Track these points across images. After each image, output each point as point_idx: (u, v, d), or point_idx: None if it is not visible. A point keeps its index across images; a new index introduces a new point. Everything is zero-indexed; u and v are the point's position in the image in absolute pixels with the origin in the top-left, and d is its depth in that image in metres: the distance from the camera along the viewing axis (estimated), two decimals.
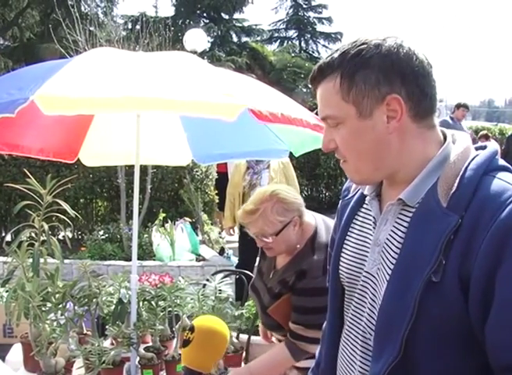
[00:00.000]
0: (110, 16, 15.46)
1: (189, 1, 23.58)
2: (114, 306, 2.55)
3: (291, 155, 3.07)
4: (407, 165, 1.11)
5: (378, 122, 1.08)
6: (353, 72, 1.07)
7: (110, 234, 6.27)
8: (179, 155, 3.25)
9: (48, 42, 13.92)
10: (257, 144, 2.99)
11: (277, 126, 2.42)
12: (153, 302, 2.64)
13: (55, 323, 2.49)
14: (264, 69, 21.37)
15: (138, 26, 9.03)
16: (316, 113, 1.63)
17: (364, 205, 1.25)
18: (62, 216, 2.62)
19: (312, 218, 2.24)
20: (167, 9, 35.07)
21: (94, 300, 2.60)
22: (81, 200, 7.37)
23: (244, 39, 25.18)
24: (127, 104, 1.98)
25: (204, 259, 5.70)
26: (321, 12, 28.13)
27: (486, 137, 9.75)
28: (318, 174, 11.28)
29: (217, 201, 7.19)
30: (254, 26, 25.72)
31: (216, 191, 7.18)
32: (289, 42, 27.83)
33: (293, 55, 24.33)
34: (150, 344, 2.74)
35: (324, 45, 27.66)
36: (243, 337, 2.86)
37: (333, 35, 27.50)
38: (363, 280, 1.18)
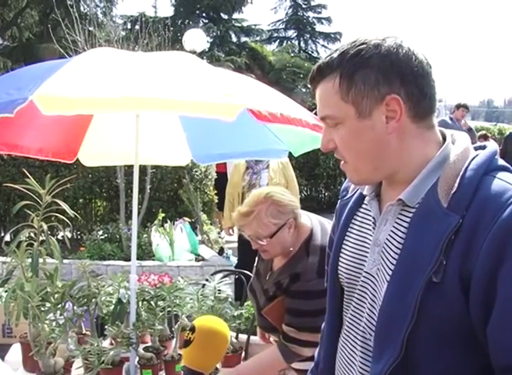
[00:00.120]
0: (109, 16, 15.47)
1: (188, 2, 23.57)
2: (113, 306, 2.55)
3: (290, 155, 3.06)
4: (406, 165, 1.11)
5: (377, 122, 1.08)
6: (352, 72, 1.07)
7: (109, 234, 6.27)
8: (178, 155, 3.24)
9: (47, 42, 13.92)
10: (257, 144, 2.99)
11: (276, 126, 2.41)
12: (152, 302, 2.63)
13: (54, 323, 2.48)
14: (263, 69, 21.37)
15: (137, 27, 9.03)
16: (315, 113, 1.63)
17: (363, 206, 1.25)
18: (61, 216, 2.62)
19: (308, 220, 2.23)
20: (166, 9, 35.08)
21: (93, 300, 2.59)
22: (80, 200, 7.38)
23: (243, 39, 25.18)
24: (126, 104, 1.98)
25: (203, 259, 5.71)
26: (320, 12, 28.14)
27: (485, 138, 9.76)
28: (318, 174, 11.29)
29: (216, 201, 7.20)
30: (253, 26, 25.70)
31: (215, 191, 7.19)
32: (289, 42, 27.81)
33: (292, 55, 24.33)
34: (149, 344, 2.74)
35: (323, 45, 27.67)
36: (243, 337, 2.86)
37: (332, 35, 27.49)
38: (362, 281, 1.18)
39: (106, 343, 2.71)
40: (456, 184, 1.03)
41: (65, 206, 2.57)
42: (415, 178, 1.09)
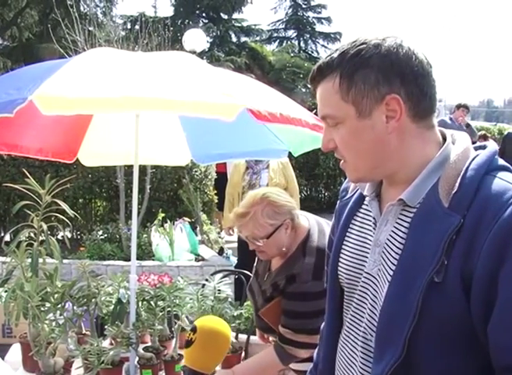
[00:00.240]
0: (109, 16, 15.48)
1: (188, 2, 23.57)
2: (113, 306, 2.55)
3: (290, 155, 3.06)
4: (406, 165, 1.11)
5: (377, 122, 1.08)
6: (352, 72, 1.07)
7: (109, 234, 6.27)
8: (178, 155, 3.24)
9: (46, 42, 13.92)
10: (256, 144, 2.99)
11: (276, 125, 2.41)
12: (152, 302, 2.63)
13: (53, 323, 2.48)
14: (263, 69, 21.36)
15: (137, 27, 9.04)
16: (315, 113, 1.63)
17: (363, 206, 1.24)
18: (61, 216, 2.62)
19: (306, 220, 2.22)
20: (166, 9, 35.09)
21: (93, 300, 2.59)
22: (80, 200, 7.38)
23: (243, 39, 25.17)
24: (126, 104, 1.98)
25: (203, 259, 5.71)
26: (320, 12, 28.13)
27: (485, 138, 9.75)
28: (317, 174, 11.29)
29: (216, 201, 7.20)
30: (253, 26, 25.70)
31: (215, 191, 7.19)
32: (289, 42, 27.80)
33: (292, 55, 24.32)
34: (149, 344, 2.73)
35: (323, 45, 27.66)
36: (242, 337, 2.86)
37: (332, 35, 27.48)
38: (363, 281, 1.18)
39: (106, 343, 2.71)
40: (457, 184, 1.03)
41: (64, 206, 2.57)
42: (416, 178, 1.09)
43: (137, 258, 3.53)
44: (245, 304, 3.10)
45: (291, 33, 28.51)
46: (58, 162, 6.03)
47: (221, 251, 6.38)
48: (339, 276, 1.26)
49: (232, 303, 2.83)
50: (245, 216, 2.12)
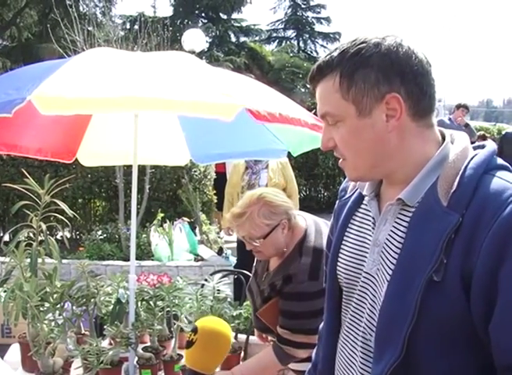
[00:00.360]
0: (108, 16, 15.45)
1: (187, 2, 23.57)
2: (112, 306, 2.54)
3: (289, 155, 3.06)
4: (405, 164, 1.11)
5: (377, 120, 1.08)
6: (352, 71, 1.07)
7: (108, 234, 6.27)
8: (177, 155, 3.24)
9: (46, 42, 13.94)
10: (256, 144, 2.99)
11: (275, 125, 2.41)
12: (151, 302, 2.63)
13: (53, 323, 2.48)
14: (262, 69, 21.37)
15: (136, 26, 9.02)
16: (314, 113, 1.63)
17: (362, 206, 1.24)
18: (60, 216, 2.62)
19: (303, 220, 2.22)
20: (165, 9, 35.27)
21: (92, 300, 2.59)
22: (79, 200, 7.38)
23: (243, 39, 25.19)
24: (125, 104, 1.98)
25: (202, 259, 5.70)
26: (319, 12, 28.16)
27: (484, 138, 9.74)
28: (317, 174, 11.30)
29: (215, 201, 7.20)
30: (252, 26, 25.71)
31: (214, 191, 7.18)
32: (288, 42, 27.82)
33: (291, 55, 24.34)
34: (148, 344, 2.73)
35: (322, 45, 27.68)
36: (242, 337, 2.86)
37: (332, 35, 27.50)
38: (362, 281, 1.17)
39: (105, 343, 2.71)
40: (455, 183, 1.03)
41: (64, 206, 2.57)
42: (415, 177, 1.09)
43: (136, 258, 3.53)
44: (244, 304, 3.09)
45: (290, 33, 28.55)
46: (57, 162, 6.03)
47: (220, 251, 6.38)
48: (338, 276, 1.26)
49: (231, 303, 2.83)
50: (241, 216, 2.12)
